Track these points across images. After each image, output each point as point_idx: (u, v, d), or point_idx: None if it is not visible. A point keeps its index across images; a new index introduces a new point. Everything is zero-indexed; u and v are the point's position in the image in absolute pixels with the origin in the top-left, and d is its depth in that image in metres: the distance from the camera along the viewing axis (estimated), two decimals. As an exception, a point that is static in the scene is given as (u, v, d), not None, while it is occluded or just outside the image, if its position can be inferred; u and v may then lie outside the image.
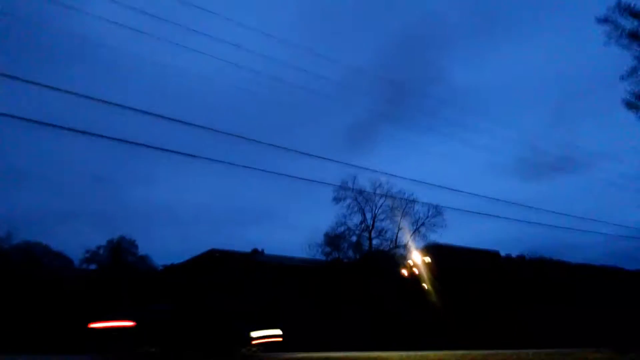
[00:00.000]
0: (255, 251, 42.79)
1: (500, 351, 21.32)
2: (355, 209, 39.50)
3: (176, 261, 40.95)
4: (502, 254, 47.03)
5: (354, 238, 39.88)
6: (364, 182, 40.45)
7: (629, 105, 21.87)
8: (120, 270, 36.19)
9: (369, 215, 39.69)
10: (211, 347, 15.87)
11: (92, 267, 38.53)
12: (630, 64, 21.09)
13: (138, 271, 37.59)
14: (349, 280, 35.21)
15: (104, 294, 29.97)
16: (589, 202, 78.60)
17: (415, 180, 23.10)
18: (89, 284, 32.71)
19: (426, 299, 34.19)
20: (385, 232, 39.43)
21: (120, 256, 38.73)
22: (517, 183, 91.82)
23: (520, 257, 47.45)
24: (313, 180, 15.64)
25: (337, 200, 38.94)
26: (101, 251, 38.71)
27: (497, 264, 42.15)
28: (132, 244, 39.52)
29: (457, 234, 64.49)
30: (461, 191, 17.66)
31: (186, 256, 40.75)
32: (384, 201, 39.29)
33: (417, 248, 37.29)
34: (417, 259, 35.22)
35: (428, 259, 34.96)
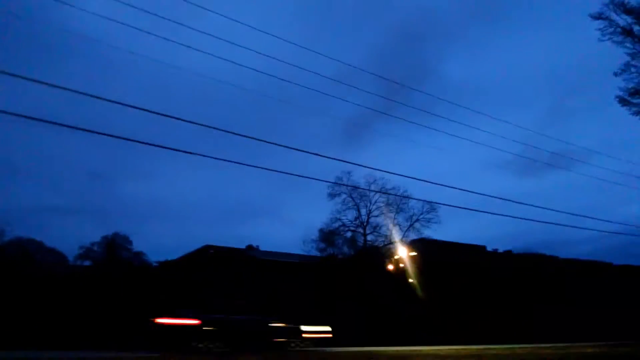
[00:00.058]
0: (250, 247, 42.82)
1: (492, 346, 21.47)
2: (350, 205, 39.62)
3: (170, 257, 40.95)
4: (489, 248, 47.27)
5: (349, 234, 40.02)
6: (359, 178, 40.55)
7: (623, 101, 22.03)
8: (115, 267, 36.09)
9: (363, 211, 39.82)
10: (267, 342, 17.05)
11: (87, 263, 38.41)
12: (624, 60, 21.26)
13: (133, 267, 37.50)
14: (343, 276, 35.30)
15: (100, 290, 29.89)
16: (582, 198, 79.28)
17: (409, 177, 23.13)
18: (83, 280, 32.59)
19: (416, 293, 34.33)
20: (380, 228, 39.59)
21: (114, 252, 38.61)
22: (511, 179, 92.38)
23: (507, 252, 47.67)
24: (308, 177, 15.60)
25: (331, 196, 39.05)
26: (95, 247, 38.60)
27: (483, 258, 42.29)
28: (127, 240, 39.43)
29: (451, 230, 64.83)
30: (455, 187, 17.69)
31: (181, 252, 40.78)
32: (379, 197, 39.42)
33: (405, 243, 37.41)
34: (404, 254, 35.30)
35: (414, 254, 35.02)
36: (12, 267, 31.11)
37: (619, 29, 21.03)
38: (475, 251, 43.84)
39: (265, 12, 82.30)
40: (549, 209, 21.58)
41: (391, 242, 38.34)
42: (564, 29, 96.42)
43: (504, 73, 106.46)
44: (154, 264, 40.44)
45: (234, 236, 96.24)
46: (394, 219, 39.48)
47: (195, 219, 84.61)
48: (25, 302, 27.37)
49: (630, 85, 21.57)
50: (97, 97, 10.44)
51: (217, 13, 13.97)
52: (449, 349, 17.25)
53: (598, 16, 21.02)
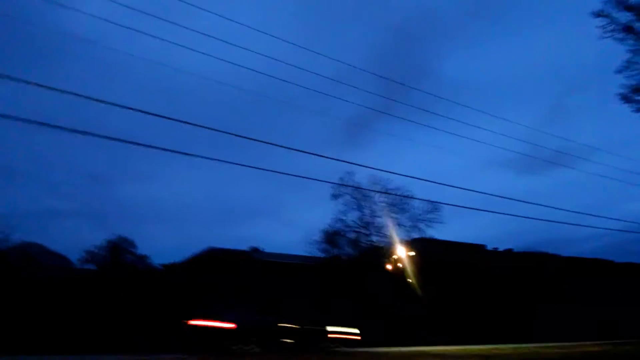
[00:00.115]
0: (254, 249, 42.83)
1: (497, 346, 21.43)
2: (353, 205, 39.58)
3: (175, 260, 40.95)
4: (490, 247, 47.09)
5: (352, 235, 39.97)
6: (362, 178, 40.49)
7: (625, 98, 21.97)
8: (119, 270, 36.14)
9: (367, 212, 39.78)
10: (300, 343, 17.38)
11: (91, 267, 38.46)
12: (625, 57, 21.21)
13: (137, 271, 37.54)
14: (347, 277, 35.28)
15: (105, 294, 29.94)
16: (585, 195, 79.04)
17: (412, 177, 23.09)
18: (88, 284, 32.66)
19: (416, 293, 34.28)
20: (383, 228, 39.54)
21: (119, 256, 38.64)
22: (513, 177, 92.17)
23: (507, 250, 47.48)
24: (310, 178, 15.63)
25: (334, 197, 39.01)
26: (100, 251, 38.64)
27: (483, 257, 42.14)
28: (131, 244, 39.43)
29: (453, 229, 64.68)
30: (457, 187, 17.69)
31: (184, 255, 40.79)
32: (382, 197, 39.37)
33: (405, 243, 37.35)
34: (404, 254, 35.24)
35: (413, 253, 34.96)
36: (17, 272, 31.21)
37: (620, 26, 20.99)
38: (474, 250, 43.72)
39: (264, 12, 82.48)
40: (552, 207, 21.52)
41: (393, 243, 38.33)
42: (564, 27, 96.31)
43: (504, 71, 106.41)
44: (159, 267, 40.47)
45: (237, 238, 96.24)
46: (397, 219, 39.47)
47: (198, 221, 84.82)
48: (31, 306, 27.44)
49: (633, 82, 21.53)
50: (98, 100, 10.49)
51: (215, 14, 14.04)
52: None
53: (599, 13, 20.98)
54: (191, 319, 15.89)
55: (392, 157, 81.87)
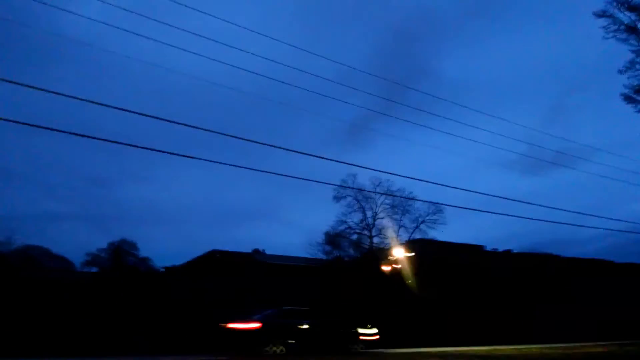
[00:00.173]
0: (256, 251, 42.84)
1: (498, 347, 21.37)
2: (356, 207, 39.62)
3: (177, 262, 41.02)
4: (489, 248, 46.98)
5: (355, 236, 40.01)
6: (364, 180, 40.52)
7: (628, 99, 21.91)
8: (121, 273, 36.17)
9: (369, 214, 39.80)
10: (329, 345, 17.58)
11: (93, 270, 38.53)
12: (628, 57, 21.14)
13: (139, 273, 37.57)
14: (349, 278, 35.24)
15: (107, 297, 29.95)
16: (587, 196, 78.82)
17: (414, 178, 23.12)
18: (90, 287, 32.69)
19: (416, 294, 34.19)
20: (386, 230, 39.55)
21: (121, 258, 38.72)
22: (515, 178, 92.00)
23: (506, 251, 47.37)
24: (313, 180, 15.61)
25: (337, 198, 39.07)
26: (102, 254, 38.73)
27: (482, 258, 42.03)
28: (133, 246, 39.53)
29: (455, 230, 64.73)
30: (459, 188, 17.64)
31: (187, 257, 40.84)
32: (384, 199, 39.39)
33: (403, 244, 37.34)
34: (403, 255, 35.19)
35: (412, 254, 34.91)
36: (19, 274, 31.22)
37: (622, 27, 20.94)
38: (473, 251, 43.62)
39: (264, 12, 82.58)
40: (554, 208, 21.44)
41: (395, 244, 38.33)
42: (567, 27, 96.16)
43: (506, 71, 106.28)
44: (161, 270, 40.52)
45: (239, 240, 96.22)
46: (400, 220, 39.49)
47: (200, 223, 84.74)
48: (33, 309, 27.45)
49: (635, 82, 21.49)
50: (100, 104, 10.50)
51: (213, 16, 14.03)
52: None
53: (601, 14, 20.96)
54: (223, 322, 16.16)
55: (394, 158, 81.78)
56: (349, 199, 39.24)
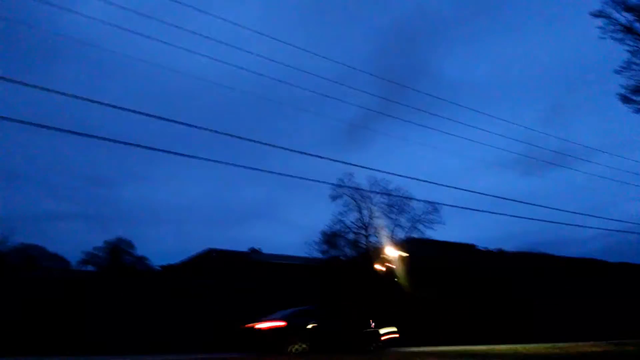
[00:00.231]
0: (253, 250, 42.84)
1: (493, 346, 21.42)
2: (352, 206, 39.55)
3: (173, 261, 41.00)
4: (481, 247, 46.99)
5: (351, 236, 39.94)
6: (361, 179, 40.46)
7: (624, 99, 21.99)
8: (118, 271, 36.16)
9: (365, 213, 39.75)
10: (351, 343, 17.76)
11: (90, 268, 38.51)
12: (625, 57, 21.22)
13: (136, 272, 37.57)
14: (346, 278, 35.24)
15: (104, 295, 29.94)
16: (586, 196, 78.88)
17: (411, 178, 23.13)
18: (87, 285, 32.65)
19: (409, 293, 34.21)
20: (383, 229, 39.51)
21: (117, 257, 38.71)
22: (513, 178, 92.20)
23: (499, 250, 47.41)
24: (309, 179, 15.66)
25: (333, 198, 38.95)
26: (98, 252, 38.72)
27: (474, 257, 42.01)
28: (129, 245, 39.54)
29: (452, 230, 64.84)
30: (456, 187, 17.70)
31: (183, 256, 40.81)
32: (381, 198, 39.36)
33: (395, 243, 37.31)
34: (395, 254, 35.12)
35: (404, 253, 34.85)
36: (16, 273, 31.19)
37: (619, 27, 21.02)
38: (465, 250, 43.58)
39: (263, 12, 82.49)
40: (551, 208, 21.55)
41: (387, 243, 38.31)
42: (563, 27, 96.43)
43: (504, 71, 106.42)
44: (157, 268, 40.51)
45: (236, 239, 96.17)
46: (397, 220, 39.47)
47: (197, 222, 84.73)
48: (30, 307, 27.41)
49: (632, 82, 21.57)
50: (97, 102, 10.47)
51: (214, 16, 14.03)
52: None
53: (598, 14, 21.03)
54: (249, 321, 16.39)
55: (392, 158, 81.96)
56: (346, 198, 39.19)
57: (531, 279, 39.12)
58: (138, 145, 11.24)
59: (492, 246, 48.15)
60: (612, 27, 20.91)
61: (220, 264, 36.87)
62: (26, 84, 9.27)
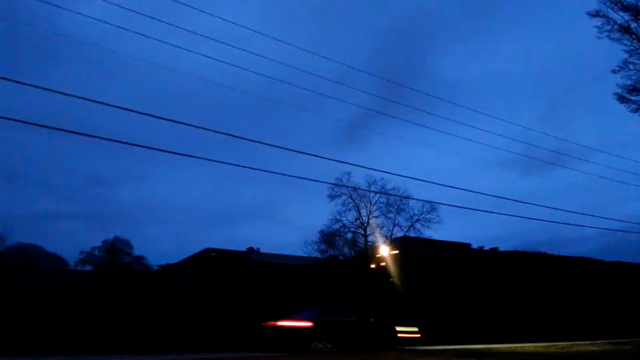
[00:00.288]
0: (250, 249, 42.85)
1: (491, 345, 21.47)
2: (350, 206, 39.64)
3: (171, 261, 40.98)
4: (475, 246, 47.04)
5: (349, 235, 40.03)
6: (359, 179, 40.58)
7: (621, 98, 22.09)
8: (116, 271, 36.12)
9: (363, 212, 39.85)
10: (371, 342, 17.90)
11: (87, 268, 38.46)
12: (621, 57, 21.32)
13: (134, 271, 37.53)
14: (344, 277, 35.29)
15: (101, 295, 29.91)
16: (584, 195, 79.17)
17: (409, 177, 23.18)
18: (84, 285, 32.60)
19: (403, 292, 34.24)
20: (381, 228, 39.63)
21: (115, 257, 38.67)
22: (512, 177, 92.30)
23: (493, 249, 47.45)
24: (307, 178, 15.68)
25: (331, 197, 39.05)
26: (96, 252, 38.67)
27: (469, 256, 42.08)
28: (127, 245, 39.49)
29: (449, 229, 64.82)
30: (455, 187, 17.76)
31: (182, 256, 40.81)
32: (379, 198, 39.46)
33: (388, 242, 37.42)
34: (388, 253, 35.18)
35: (396, 252, 34.90)
36: (14, 272, 31.11)
37: (616, 26, 21.13)
38: (459, 249, 43.65)
39: (262, 12, 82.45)
40: (551, 207, 21.61)
41: (382, 243, 38.40)
42: (561, 27, 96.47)
43: (503, 71, 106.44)
44: (155, 268, 40.49)
45: (234, 239, 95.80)
46: (395, 219, 39.56)
47: (195, 221, 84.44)
48: (28, 307, 27.36)
49: (629, 82, 21.68)
50: (96, 102, 10.47)
51: (214, 15, 14.04)
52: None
53: (595, 13, 21.14)
54: (275, 320, 16.59)
55: (390, 157, 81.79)
56: (344, 197, 39.29)
57: (526, 278, 39.17)
58: (138, 145, 11.26)
59: (489, 245, 48.21)
60: (609, 27, 21.04)
61: (219, 264, 36.90)
62: (26, 84, 9.26)
